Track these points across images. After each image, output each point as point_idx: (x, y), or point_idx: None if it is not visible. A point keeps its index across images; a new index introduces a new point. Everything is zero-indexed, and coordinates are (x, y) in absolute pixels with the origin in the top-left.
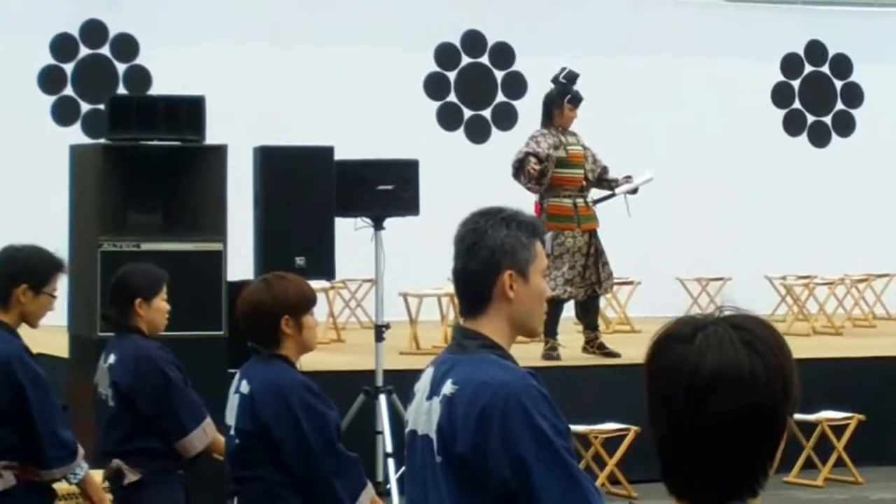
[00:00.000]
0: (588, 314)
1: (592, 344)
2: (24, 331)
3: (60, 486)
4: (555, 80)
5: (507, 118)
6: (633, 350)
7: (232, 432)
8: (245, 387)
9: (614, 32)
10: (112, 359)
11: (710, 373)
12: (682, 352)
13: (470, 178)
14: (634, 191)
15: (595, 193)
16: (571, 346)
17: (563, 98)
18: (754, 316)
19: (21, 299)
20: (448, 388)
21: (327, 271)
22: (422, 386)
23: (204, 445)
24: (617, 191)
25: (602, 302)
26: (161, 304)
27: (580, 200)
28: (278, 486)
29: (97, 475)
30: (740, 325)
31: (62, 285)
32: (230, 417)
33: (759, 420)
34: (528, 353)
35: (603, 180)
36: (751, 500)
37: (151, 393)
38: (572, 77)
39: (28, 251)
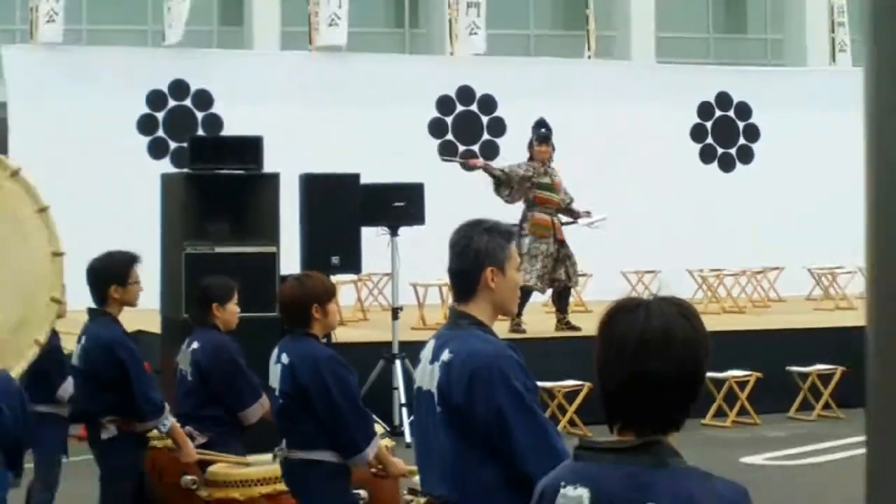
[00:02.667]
0: (561, 301)
1: (562, 322)
2: (129, 312)
3: (152, 434)
4: (534, 126)
5: (491, 152)
6: (587, 325)
7: (276, 394)
8: (285, 358)
9: (574, 87)
10: (195, 345)
11: (658, 333)
12: (630, 319)
13: (462, 197)
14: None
15: (561, 217)
16: (546, 323)
17: (534, 138)
18: (680, 298)
19: (115, 295)
20: (446, 355)
21: (355, 267)
22: (426, 353)
23: (258, 417)
24: (580, 221)
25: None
26: (233, 307)
27: (556, 218)
28: (313, 433)
29: None
30: (675, 302)
31: (154, 276)
32: (273, 382)
33: (689, 372)
34: (496, 328)
35: (569, 210)
36: (673, 433)
37: (223, 374)
38: (541, 123)
39: (104, 258)
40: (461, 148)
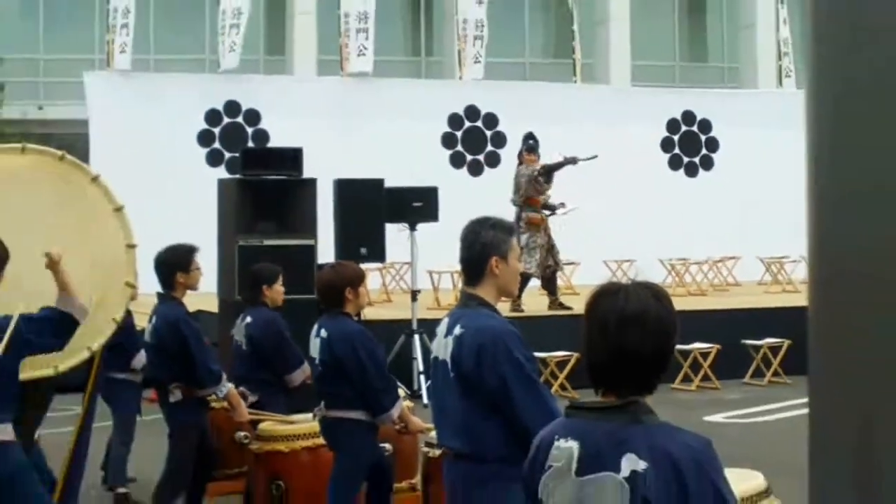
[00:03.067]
0: (550, 285)
1: (554, 303)
2: (191, 295)
3: (212, 397)
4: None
5: (493, 161)
6: (576, 305)
7: (317, 362)
8: (323, 333)
9: (563, 107)
10: (248, 319)
11: (634, 313)
12: (612, 301)
13: (469, 198)
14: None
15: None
16: (540, 304)
17: (524, 148)
18: (653, 283)
19: (179, 280)
20: (458, 330)
21: (380, 257)
22: (441, 328)
23: (301, 380)
24: (558, 212)
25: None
26: (279, 287)
27: (543, 214)
28: (346, 396)
29: None
30: (649, 286)
31: (212, 265)
32: (313, 352)
33: (660, 345)
34: (500, 309)
35: (546, 205)
36: (647, 395)
37: (272, 344)
38: (530, 136)
39: (169, 250)
40: (468, 157)
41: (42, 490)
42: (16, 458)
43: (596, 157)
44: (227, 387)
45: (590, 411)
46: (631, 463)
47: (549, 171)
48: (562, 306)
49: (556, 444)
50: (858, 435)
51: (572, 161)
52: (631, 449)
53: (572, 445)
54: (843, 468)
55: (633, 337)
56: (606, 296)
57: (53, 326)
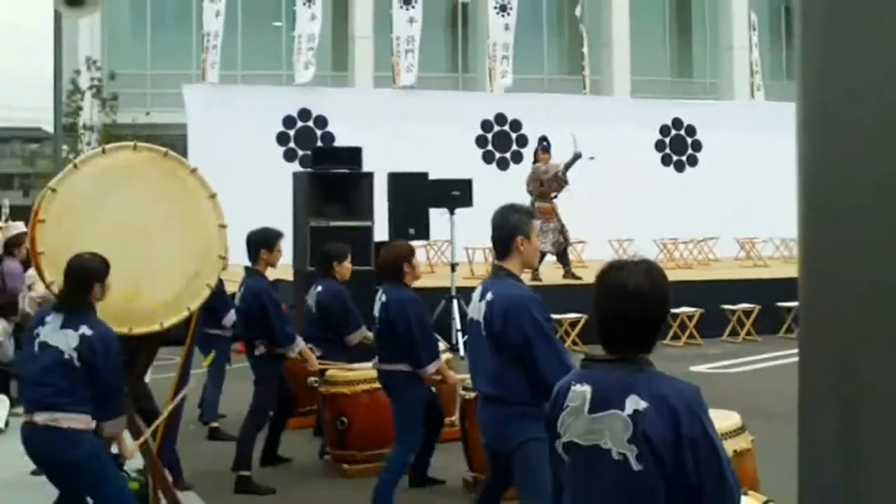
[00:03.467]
0: (563, 259)
1: (568, 274)
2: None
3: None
4: (538, 141)
5: (517, 158)
6: (586, 276)
7: (377, 322)
8: (384, 298)
9: (575, 114)
10: (319, 289)
11: (635, 286)
12: (617, 275)
13: (497, 188)
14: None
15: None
16: (555, 275)
17: (540, 148)
18: (651, 259)
19: (263, 257)
20: (489, 296)
21: (425, 236)
22: (476, 294)
23: (358, 340)
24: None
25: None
26: (347, 264)
27: (553, 203)
28: (398, 351)
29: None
30: (647, 264)
31: (287, 242)
32: (376, 313)
33: (656, 311)
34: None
35: (567, 166)
36: (646, 353)
37: (338, 310)
38: (543, 139)
39: (260, 230)
40: (497, 155)
41: (114, 473)
42: (88, 445)
43: (593, 158)
44: (300, 345)
45: (601, 362)
46: (633, 403)
47: (567, 168)
48: (574, 276)
49: (572, 388)
50: (841, 382)
51: (578, 155)
52: (634, 392)
53: (586, 389)
54: (830, 415)
55: (634, 306)
56: (612, 272)
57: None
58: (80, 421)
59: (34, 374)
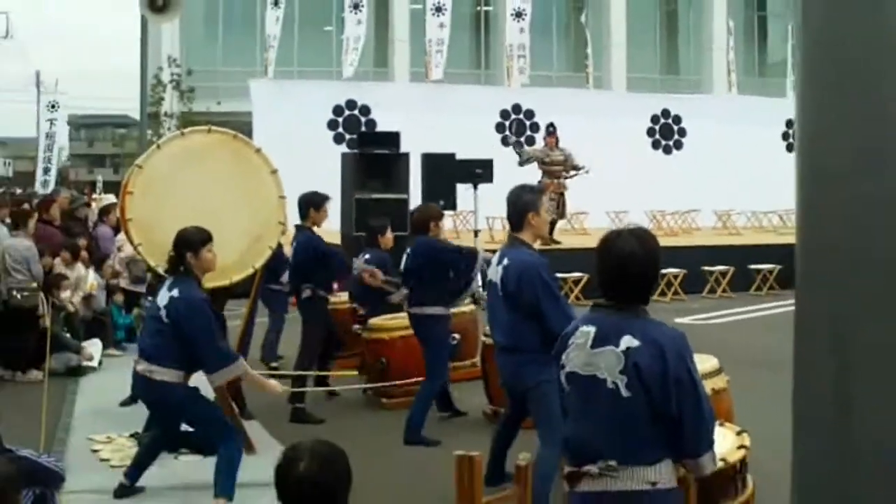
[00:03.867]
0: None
1: (551, 240)
2: (324, 233)
3: (335, 299)
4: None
5: (530, 142)
6: (583, 242)
7: (404, 271)
8: (409, 250)
9: (579, 106)
10: (367, 256)
11: (631, 250)
12: (616, 243)
13: (513, 167)
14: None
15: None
16: (562, 239)
17: (546, 133)
18: (644, 228)
19: (312, 214)
20: (506, 261)
21: (453, 207)
22: (495, 259)
23: (398, 300)
24: (580, 173)
25: (565, 223)
26: (389, 236)
27: (556, 179)
28: (427, 295)
29: None
30: (641, 231)
31: (336, 213)
32: (404, 262)
33: (649, 272)
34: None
35: (573, 167)
36: (643, 305)
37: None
38: (550, 125)
39: (309, 193)
40: (513, 139)
41: (205, 404)
42: (181, 391)
43: (588, 171)
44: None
45: (604, 308)
46: (627, 341)
47: (573, 168)
48: (554, 241)
49: (580, 328)
50: (834, 333)
51: (581, 169)
52: (628, 333)
53: (590, 329)
54: (824, 364)
55: (631, 267)
56: (612, 239)
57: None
58: (169, 374)
59: (145, 327)
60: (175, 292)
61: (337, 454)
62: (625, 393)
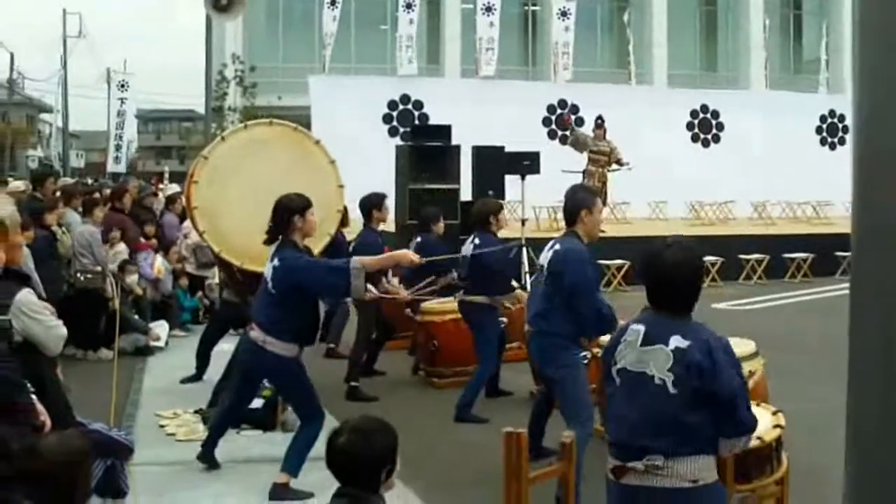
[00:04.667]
0: None
1: None
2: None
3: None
4: (595, 119)
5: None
6: (626, 231)
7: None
8: (477, 241)
9: (623, 101)
10: (419, 240)
11: (677, 263)
12: (663, 255)
13: (559, 159)
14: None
15: (611, 167)
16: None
17: (595, 126)
18: (686, 239)
19: (375, 215)
20: (557, 246)
21: (502, 197)
22: (547, 247)
23: (448, 283)
24: (623, 168)
25: (608, 211)
26: (441, 224)
27: (600, 168)
28: (477, 285)
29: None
30: (683, 243)
31: (391, 201)
32: (465, 251)
33: (694, 282)
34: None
35: (618, 161)
36: (688, 311)
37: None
38: (599, 117)
39: (370, 195)
40: (559, 132)
41: (309, 383)
42: (294, 367)
43: (631, 167)
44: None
45: (654, 311)
46: (676, 341)
47: (616, 162)
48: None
49: (631, 327)
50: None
51: (624, 165)
52: (678, 333)
53: (640, 328)
54: (875, 336)
55: (677, 279)
56: (661, 251)
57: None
58: (284, 348)
59: (259, 298)
60: (276, 262)
61: (378, 430)
62: (672, 390)
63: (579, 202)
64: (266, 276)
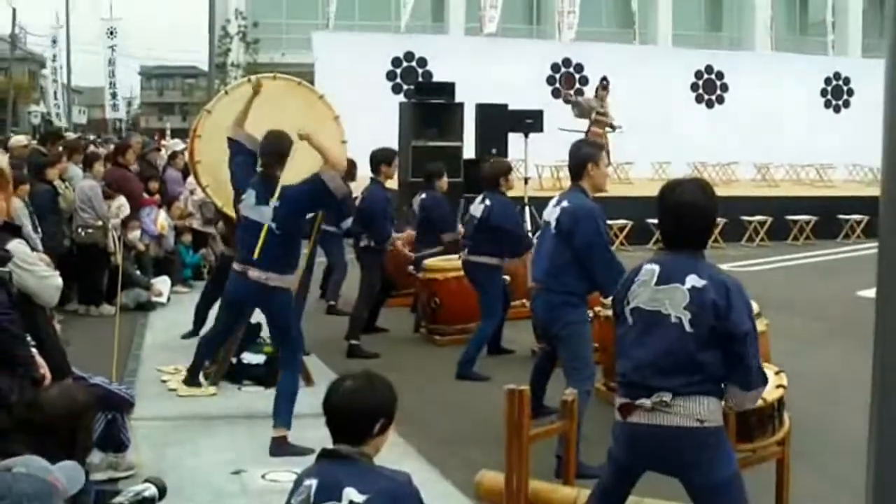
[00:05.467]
0: None
1: None
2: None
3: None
4: (599, 80)
5: (579, 94)
6: (630, 191)
7: (476, 220)
8: (487, 202)
9: (627, 60)
10: (423, 196)
11: (688, 200)
12: (675, 192)
13: (563, 119)
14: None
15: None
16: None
17: (599, 87)
18: (701, 179)
19: (383, 170)
20: (564, 203)
21: (505, 155)
22: (552, 202)
23: (451, 239)
24: (617, 131)
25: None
26: (444, 180)
27: (605, 129)
28: (484, 244)
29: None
30: (698, 182)
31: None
32: (475, 212)
33: (706, 220)
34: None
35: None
36: (700, 251)
37: (437, 215)
38: (604, 79)
39: (381, 149)
40: (573, 98)
41: (297, 327)
42: (285, 301)
43: (622, 129)
44: (391, 238)
45: (668, 252)
46: (692, 280)
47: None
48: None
49: (644, 267)
50: None
51: (616, 128)
52: (694, 272)
53: (655, 268)
54: None
55: (689, 217)
56: (671, 189)
57: (311, 194)
58: (284, 281)
59: (266, 244)
60: (276, 203)
61: (375, 386)
62: (688, 328)
63: (584, 156)
64: (266, 220)
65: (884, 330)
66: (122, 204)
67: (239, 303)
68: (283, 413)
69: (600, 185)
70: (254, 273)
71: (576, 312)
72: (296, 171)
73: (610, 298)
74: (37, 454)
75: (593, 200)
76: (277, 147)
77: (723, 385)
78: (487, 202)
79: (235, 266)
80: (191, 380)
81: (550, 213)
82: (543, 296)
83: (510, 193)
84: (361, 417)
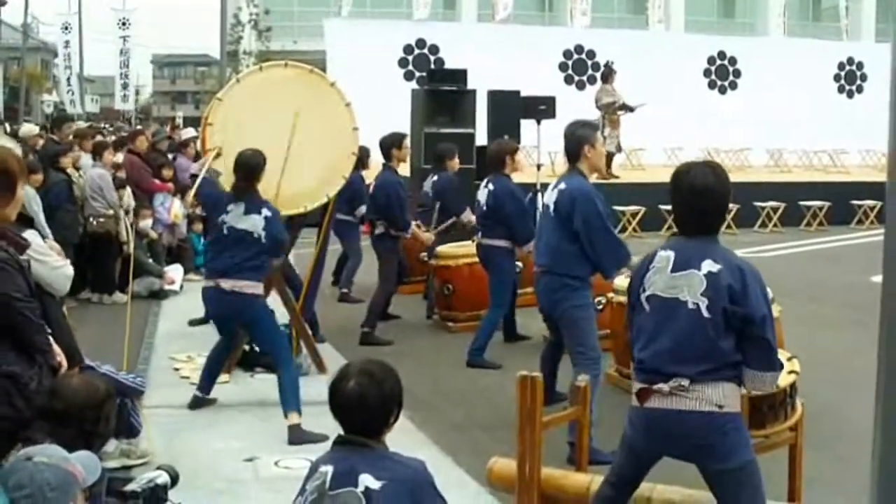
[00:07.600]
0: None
1: (610, 174)
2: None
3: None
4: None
5: (592, 80)
6: (640, 177)
7: (482, 205)
8: (491, 186)
9: (641, 46)
10: (435, 178)
11: (702, 184)
12: (688, 176)
13: (575, 104)
14: (632, 109)
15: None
16: (620, 174)
17: (604, 73)
18: (714, 162)
19: (395, 154)
20: (562, 185)
21: (518, 140)
22: (552, 185)
23: (466, 220)
24: (635, 111)
25: (623, 157)
26: (455, 161)
27: (616, 115)
28: (496, 228)
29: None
30: (711, 165)
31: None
32: (481, 198)
33: (719, 204)
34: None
35: (624, 106)
36: (713, 235)
37: (449, 196)
38: (608, 64)
39: (390, 134)
40: (576, 78)
41: (278, 329)
42: (259, 307)
43: (645, 104)
44: (413, 228)
45: (681, 237)
46: (708, 265)
47: (621, 108)
48: (613, 176)
49: (659, 253)
50: None
51: (632, 109)
52: (709, 257)
53: (670, 254)
54: None
55: (701, 201)
56: (684, 172)
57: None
58: (255, 287)
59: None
60: (266, 213)
61: (385, 375)
62: (706, 314)
63: (580, 138)
64: (251, 229)
65: (890, 314)
66: (127, 194)
67: (225, 318)
68: (291, 402)
69: (598, 167)
70: (227, 283)
71: (577, 295)
72: (309, 158)
73: (616, 282)
74: (56, 443)
75: (590, 182)
76: (253, 164)
77: (742, 369)
78: (491, 186)
79: (207, 282)
80: (196, 402)
81: (549, 197)
82: (545, 280)
83: (523, 178)
84: (373, 419)
